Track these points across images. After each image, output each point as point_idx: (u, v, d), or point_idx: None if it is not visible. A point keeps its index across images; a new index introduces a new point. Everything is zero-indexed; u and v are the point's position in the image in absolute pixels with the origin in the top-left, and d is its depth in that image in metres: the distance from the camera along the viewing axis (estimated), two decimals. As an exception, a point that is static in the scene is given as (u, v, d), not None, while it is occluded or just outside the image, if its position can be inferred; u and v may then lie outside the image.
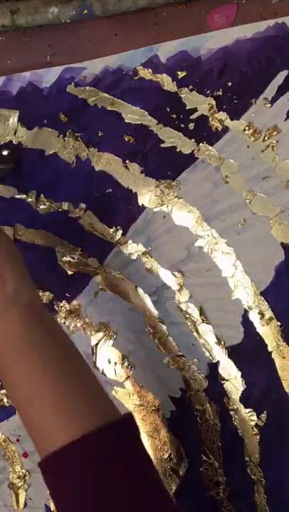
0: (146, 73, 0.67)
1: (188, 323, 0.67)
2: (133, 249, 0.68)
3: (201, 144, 0.66)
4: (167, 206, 0.67)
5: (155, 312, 0.67)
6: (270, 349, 0.64)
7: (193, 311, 0.66)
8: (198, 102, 0.66)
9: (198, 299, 0.66)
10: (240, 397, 0.65)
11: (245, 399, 0.65)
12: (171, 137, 0.67)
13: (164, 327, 0.67)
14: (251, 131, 0.64)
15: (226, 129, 0.65)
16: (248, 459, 0.65)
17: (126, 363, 0.69)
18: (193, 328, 0.66)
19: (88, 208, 0.70)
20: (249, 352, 0.64)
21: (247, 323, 0.64)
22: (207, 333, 0.66)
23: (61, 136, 0.71)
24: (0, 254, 0.53)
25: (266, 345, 0.64)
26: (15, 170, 0.72)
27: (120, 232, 0.68)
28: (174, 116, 0.67)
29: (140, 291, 0.68)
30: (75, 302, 0.70)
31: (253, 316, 0.64)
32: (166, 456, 0.67)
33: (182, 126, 0.66)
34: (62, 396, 0.48)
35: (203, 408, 0.66)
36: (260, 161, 0.64)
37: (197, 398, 0.67)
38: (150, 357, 0.68)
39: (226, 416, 0.66)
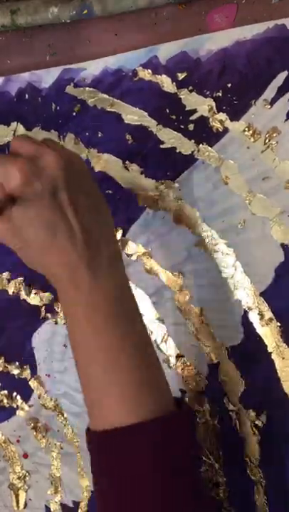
0: (145, 74, 0.67)
1: (189, 324, 0.67)
2: (133, 249, 0.68)
3: (200, 144, 0.66)
4: (167, 207, 0.67)
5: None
6: (269, 350, 0.64)
7: (193, 312, 0.66)
8: (198, 103, 0.66)
9: (198, 299, 0.66)
10: (240, 398, 0.65)
11: (245, 399, 0.65)
12: (170, 138, 0.67)
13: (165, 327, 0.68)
14: (251, 132, 0.64)
15: (225, 130, 0.65)
16: (248, 459, 0.65)
17: (126, 364, 0.69)
18: (194, 328, 0.66)
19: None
20: (249, 353, 0.64)
21: (247, 323, 0.64)
22: (207, 334, 0.66)
23: (61, 137, 0.71)
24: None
25: (266, 346, 0.64)
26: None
27: (120, 232, 0.68)
28: (174, 117, 0.67)
29: (140, 291, 0.68)
30: (74, 303, 0.70)
31: (253, 317, 0.64)
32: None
33: (182, 127, 0.66)
34: (133, 376, 0.49)
35: (203, 409, 0.66)
36: (259, 162, 0.64)
37: (197, 399, 0.67)
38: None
39: (225, 417, 0.66)
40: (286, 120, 0.63)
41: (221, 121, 0.65)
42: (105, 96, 0.69)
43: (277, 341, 0.63)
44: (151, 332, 0.68)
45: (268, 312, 0.64)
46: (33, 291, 0.72)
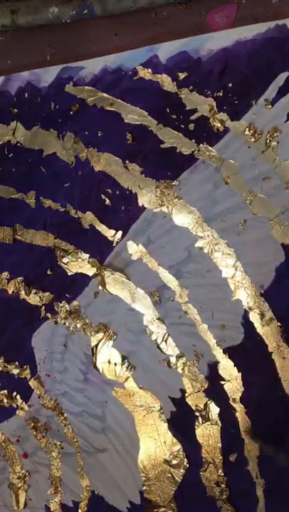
0: (145, 73, 0.67)
1: (189, 324, 0.67)
2: (133, 249, 0.68)
3: (201, 144, 0.66)
4: (167, 207, 0.67)
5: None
6: (270, 350, 0.64)
7: (193, 312, 0.66)
8: (199, 103, 0.65)
9: (199, 299, 0.66)
10: (240, 398, 0.65)
11: (245, 399, 0.65)
12: (171, 138, 0.66)
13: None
14: (252, 132, 0.64)
15: (226, 130, 0.65)
16: (248, 459, 0.65)
17: (126, 364, 0.69)
18: (194, 328, 0.66)
19: (88, 209, 0.69)
20: (249, 352, 0.64)
21: (247, 323, 0.64)
22: (207, 334, 0.66)
23: (60, 136, 0.70)
24: None
25: (266, 346, 0.64)
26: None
27: (120, 232, 0.68)
28: (174, 116, 0.66)
29: (140, 291, 0.68)
30: (75, 303, 0.70)
31: (254, 317, 0.64)
32: (166, 456, 0.68)
33: (182, 126, 0.66)
34: None
35: (203, 409, 0.66)
36: (260, 162, 0.64)
37: (197, 399, 0.67)
38: (150, 357, 0.68)
39: (225, 416, 0.66)
40: (287, 120, 0.63)
41: (222, 121, 0.65)
42: (105, 95, 0.69)
43: (278, 341, 0.63)
44: (152, 332, 0.68)
45: (268, 312, 0.64)
46: (33, 291, 0.72)
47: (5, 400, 0.74)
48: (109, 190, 0.69)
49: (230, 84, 0.64)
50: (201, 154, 0.66)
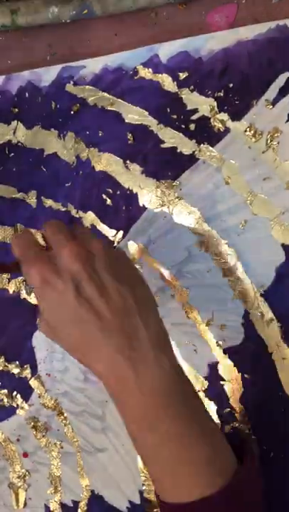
0: (146, 73, 0.67)
1: (189, 324, 0.67)
2: (133, 249, 0.68)
3: (201, 144, 0.66)
4: (168, 207, 0.67)
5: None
6: (270, 350, 0.64)
7: (194, 312, 0.66)
8: (199, 103, 0.65)
9: (199, 299, 0.66)
10: (240, 398, 0.65)
11: (246, 400, 0.65)
12: (171, 138, 0.67)
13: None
14: (252, 132, 0.64)
15: (227, 130, 0.65)
16: (248, 459, 0.65)
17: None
18: (194, 328, 0.66)
19: (89, 209, 0.69)
20: (249, 353, 0.65)
21: (247, 324, 0.65)
22: (207, 334, 0.66)
23: (61, 135, 0.70)
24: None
25: (266, 347, 0.64)
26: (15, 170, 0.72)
27: (121, 232, 0.68)
28: (175, 116, 0.66)
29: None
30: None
31: (254, 317, 0.64)
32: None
33: (183, 126, 0.66)
34: (203, 453, 0.48)
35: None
36: (261, 162, 0.64)
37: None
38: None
39: (225, 417, 0.66)
40: (288, 121, 0.63)
41: (223, 121, 0.65)
42: (105, 94, 0.69)
43: (278, 342, 0.63)
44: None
45: (268, 313, 0.64)
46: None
47: (5, 400, 0.74)
48: (110, 190, 0.69)
49: (231, 85, 0.64)
50: (202, 154, 0.66)
